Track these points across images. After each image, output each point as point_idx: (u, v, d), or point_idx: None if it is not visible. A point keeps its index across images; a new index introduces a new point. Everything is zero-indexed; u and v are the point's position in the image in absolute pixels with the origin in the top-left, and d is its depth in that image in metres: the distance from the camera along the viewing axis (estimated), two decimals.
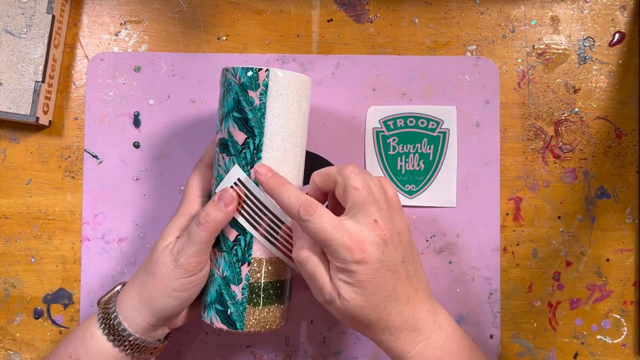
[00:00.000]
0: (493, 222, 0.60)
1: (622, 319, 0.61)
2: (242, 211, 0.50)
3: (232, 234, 0.50)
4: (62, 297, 0.60)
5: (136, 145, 0.60)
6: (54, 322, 0.60)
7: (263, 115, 0.49)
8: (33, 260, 0.60)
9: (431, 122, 0.60)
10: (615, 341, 0.61)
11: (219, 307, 0.51)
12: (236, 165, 0.49)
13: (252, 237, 0.50)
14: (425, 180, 0.60)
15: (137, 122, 0.60)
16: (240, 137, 0.49)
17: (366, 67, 0.61)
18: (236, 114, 0.49)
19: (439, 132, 0.60)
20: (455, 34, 0.61)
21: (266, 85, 0.49)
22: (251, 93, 0.49)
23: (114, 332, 0.50)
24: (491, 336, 0.60)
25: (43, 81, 0.57)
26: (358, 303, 0.46)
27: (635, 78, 0.61)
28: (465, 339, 0.49)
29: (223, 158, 0.50)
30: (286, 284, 0.52)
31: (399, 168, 0.60)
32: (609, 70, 0.61)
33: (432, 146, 0.60)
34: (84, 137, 0.60)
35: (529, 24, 0.61)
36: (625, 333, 0.61)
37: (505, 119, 0.61)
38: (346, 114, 0.60)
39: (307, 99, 0.51)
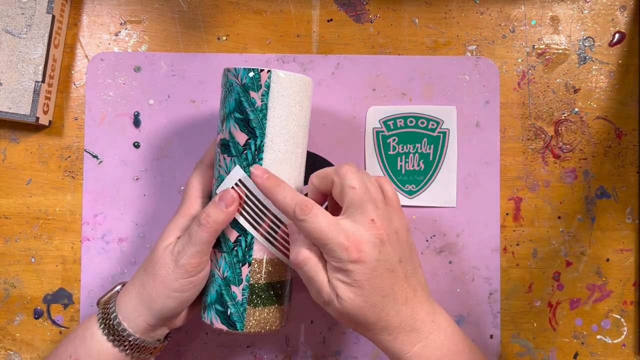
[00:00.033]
0: (493, 222, 0.60)
1: (622, 319, 0.61)
2: (243, 212, 0.50)
3: (233, 235, 0.50)
4: (62, 297, 0.60)
5: (136, 145, 0.60)
6: (54, 322, 0.60)
7: (265, 116, 0.49)
8: (33, 260, 0.60)
9: (431, 122, 0.60)
10: (615, 341, 0.61)
11: (219, 307, 0.51)
12: (237, 166, 0.49)
13: (252, 237, 0.50)
14: (425, 180, 0.60)
15: (137, 122, 0.60)
16: (241, 137, 0.49)
17: (366, 67, 0.61)
18: (238, 115, 0.49)
19: (439, 132, 0.60)
20: (455, 34, 0.61)
21: (268, 87, 0.49)
22: (253, 94, 0.49)
23: (114, 332, 0.50)
24: (491, 336, 0.60)
25: (43, 81, 0.57)
26: (356, 303, 0.45)
27: (635, 78, 0.61)
28: (464, 340, 0.49)
29: (224, 159, 0.50)
30: (286, 285, 0.52)
31: (399, 168, 0.60)
32: (609, 70, 0.61)
33: (432, 146, 0.60)
34: (84, 137, 0.60)
35: (529, 24, 0.61)
36: (625, 333, 0.61)
37: (505, 119, 0.61)
38: (346, 114, 0.60)
39: (309, 100, 0.51)
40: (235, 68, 0.50)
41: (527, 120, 0.61)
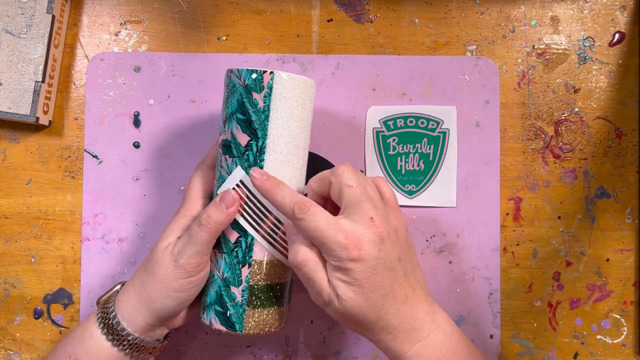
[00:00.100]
0: (493, 222, 0.60)
1: (622, 319, 0.61)
2: (244, 213, 0.50)
3: (233, 236, 0.50)
4: (62, 297, 0.60)
5: (136, 145, 0.60)
6: (54, 322, 0.60)
7: (267, 117, 0.49)
8: (33, 260, 0.60)
9: (431, 122, 0.60)
10: (615, 341, 0.61)
11: (218, 308, 0.51)
12: (239, 166, 0.49)
13: (253, 239, 0.50)
14: (425, 180, 0.60)
15: (137, 122, 0.60)
16: (243, 139, 0.49)
17: (366, 67, 0.60)
18: (240, 116, 0.49)
19: (439, 132, 0.60)
20: (455, 34, 0.61)
21: (270, 88, 0.49)
22: (255, 95, 0.49)
23: (113, 331, 0.50)
24: (491, 336, 0.60)
25: (43, 81, 0.57)
26: (356, 302, 0.45)
27: (635, 78, 0.61)
28: (463, 340, 0.49)
29: (226, 159, 0.50)
30: (286, 287, 0.52)
31: (399, 168, 0.60)
32: (609, 70, 0.61)
33: (432, 146, 0.60)
34: (84, 137, 0.60)
35: (529, 24, 0.61)
36: (625, 333, 0.61)
37: (505, 119, 0.61)
38: (346, 114, 0.60)
39: (311, 102, 0.51)
40: (238, 69, 0.50)
41: (527, 120, 0.61)
